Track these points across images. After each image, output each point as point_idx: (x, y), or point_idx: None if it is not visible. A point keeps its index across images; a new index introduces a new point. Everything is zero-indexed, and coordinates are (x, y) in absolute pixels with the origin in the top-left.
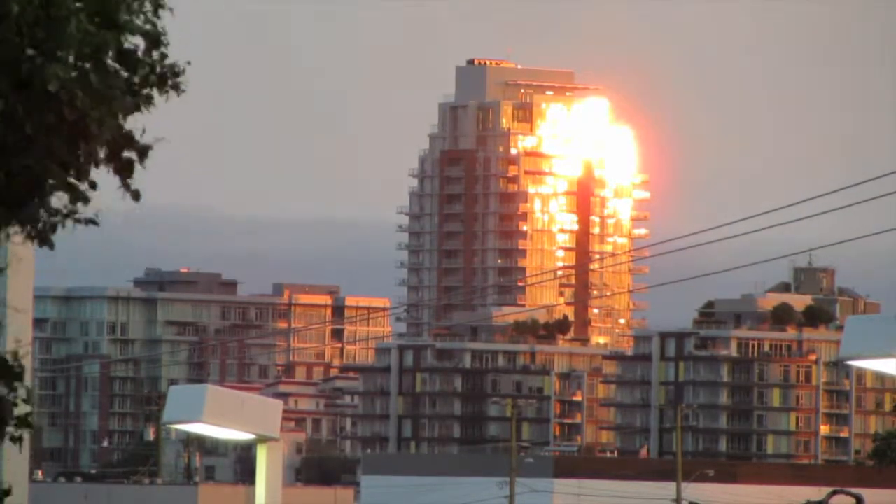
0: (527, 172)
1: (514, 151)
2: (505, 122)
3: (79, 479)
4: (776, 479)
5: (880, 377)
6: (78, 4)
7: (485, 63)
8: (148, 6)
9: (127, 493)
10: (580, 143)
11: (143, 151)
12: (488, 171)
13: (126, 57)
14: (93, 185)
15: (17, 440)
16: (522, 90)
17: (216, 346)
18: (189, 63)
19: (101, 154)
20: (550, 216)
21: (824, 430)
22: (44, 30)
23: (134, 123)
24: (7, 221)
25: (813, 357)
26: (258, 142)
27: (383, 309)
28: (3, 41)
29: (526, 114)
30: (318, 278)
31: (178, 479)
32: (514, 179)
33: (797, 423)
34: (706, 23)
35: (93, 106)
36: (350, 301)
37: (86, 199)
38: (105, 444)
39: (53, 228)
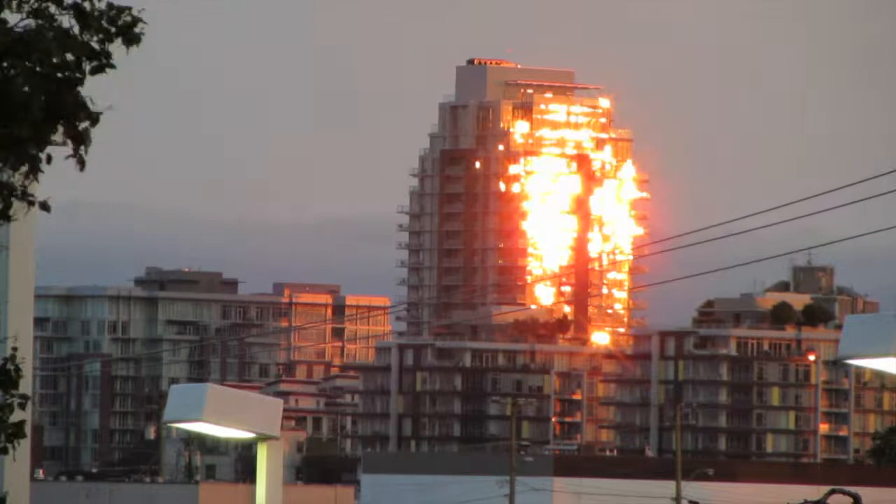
0: (527, 172)
1: (514, 151)
2: (505, 121)
3: (80, 477)
4: (775, 478)
5: (879, 376)
6: None
7: (485, 63)
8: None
9: (128, 491)
10: (580, 143)
11: (95, 119)
12: (488, 170)
13: (82, 14)
14: (48, 160)
15: (3, 451)
16: (522, 90)
17: (217, 345)
18: (143, 9)
19: (60, 125)
20: (550, 215)
21: (823, 428)
22: None
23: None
24: None
25: (812, 356)
26: (258, 142)
27: (383, 308)
28: None
29: (526, 113)
30: (319, 277)
31: (178, 477)
32: (514, 179)
33: (796, 422)
34: (706, 22)
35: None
36: (350, 300)
37: (37, 171)
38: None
39: (8, 207)
